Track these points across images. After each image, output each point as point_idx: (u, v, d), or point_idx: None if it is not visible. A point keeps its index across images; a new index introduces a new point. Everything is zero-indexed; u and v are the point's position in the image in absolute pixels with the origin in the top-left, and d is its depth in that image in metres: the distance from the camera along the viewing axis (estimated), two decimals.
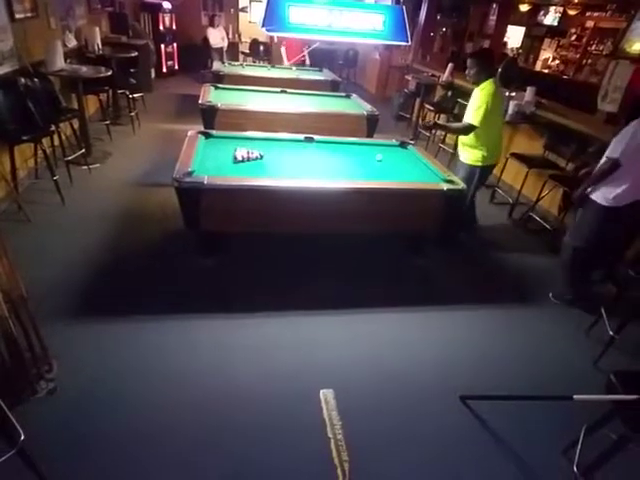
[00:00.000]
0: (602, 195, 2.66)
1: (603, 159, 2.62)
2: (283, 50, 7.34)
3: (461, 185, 3.00)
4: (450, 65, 6.16)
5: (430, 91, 6.72)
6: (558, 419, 2.13)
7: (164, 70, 8.87)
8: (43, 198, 3.61)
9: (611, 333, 2.53)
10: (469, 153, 3.42)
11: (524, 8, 10.80)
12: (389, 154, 3.56)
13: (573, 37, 10.74)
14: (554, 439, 2.03)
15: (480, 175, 3.43)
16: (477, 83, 3.26)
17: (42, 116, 3.51)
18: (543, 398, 2.14)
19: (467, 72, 3.34)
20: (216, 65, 6.35)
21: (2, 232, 1.79)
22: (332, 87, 6.00)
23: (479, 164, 3.37)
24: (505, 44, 7.87)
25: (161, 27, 8.53)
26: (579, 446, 1.82)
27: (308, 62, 7.52)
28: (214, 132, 3.54)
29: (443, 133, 6.04)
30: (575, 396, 1.72)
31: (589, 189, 2.72)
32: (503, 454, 1.98)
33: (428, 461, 1.92)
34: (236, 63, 7.26)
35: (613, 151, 2.51)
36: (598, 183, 2.65)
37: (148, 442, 1.85)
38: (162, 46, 8.64)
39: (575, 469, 1.82)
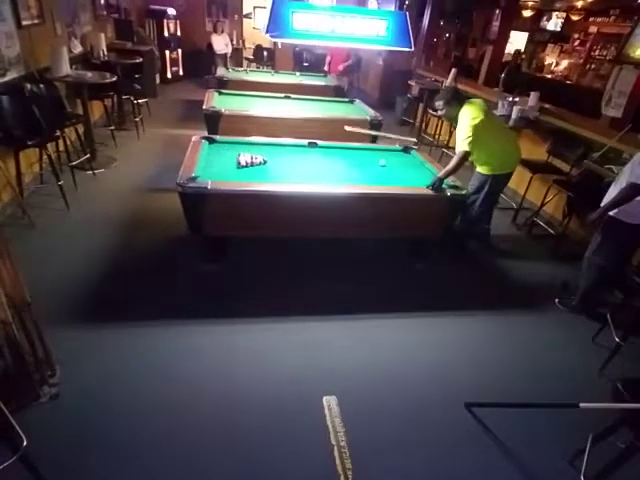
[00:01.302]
0: (629, 215, 2.60)
1: (624, 182, 2.53)
2: (328, 59, 7.75)
3: (464, 190, 2.99)
4: (453, 70, 6.17)
5: (433, 96, 6.70)
6: (564, 427, 2.10)
7: (168, 76, 8.93)
8: (48, 203, 3.63)
9: (617, 340, 2.50)
10: (480, 166, 3.41)
11: (527, 14, 10.83)
12: (392, 159, 3.56)
13: (576, 42, 10.75)
14: (560, 447, 2.01)
15: (493, 183, 3.34)
16: (455, 116, 3.22)
17: (47, 121, 3.53)
18: (549, 406, 2.12)
19: (440, 114, 3.41)
20: (220, 71, 6.39)
21: (6, 237, 1.79)
22: (335, 92, 6.01)
23: (489, 173, 3.32)
24: (519, 53, 7.65)
25: (166, 33, 8.60)
26: (586, 455, 1.80)
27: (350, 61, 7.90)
28: (218, 137, 3.55)
29: (446, 138, 6.05)
30: (582, 404, 1.70)
31: (613, 214, 2.66)
32: (508, 462, 1.96)
33: (432, 468, 1.90)
34: (240, 69, 7.30)
35: (639, 178, 2.43)
36: (620, 206, 2.58)
37: (151, 447, 1.84)
38: (167, 52, 8.72)
39: (582, 478, 1.79)
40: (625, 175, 2.57)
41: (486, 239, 3.84)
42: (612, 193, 2.67)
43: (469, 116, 3.11)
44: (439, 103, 3.31)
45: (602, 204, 2.74)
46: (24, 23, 3.76)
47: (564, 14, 10.63)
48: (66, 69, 4.11)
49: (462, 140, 3.13)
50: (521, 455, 1.99)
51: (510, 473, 1.92)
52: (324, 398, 2.14)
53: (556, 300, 3.12)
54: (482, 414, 2.15)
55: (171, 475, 1.75)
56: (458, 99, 3.25)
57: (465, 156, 3.16)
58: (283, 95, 5.14)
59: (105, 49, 5.41)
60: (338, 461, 1.85)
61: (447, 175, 3.12)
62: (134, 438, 1.87)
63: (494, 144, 3.22)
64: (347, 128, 3.97)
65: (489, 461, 1.96)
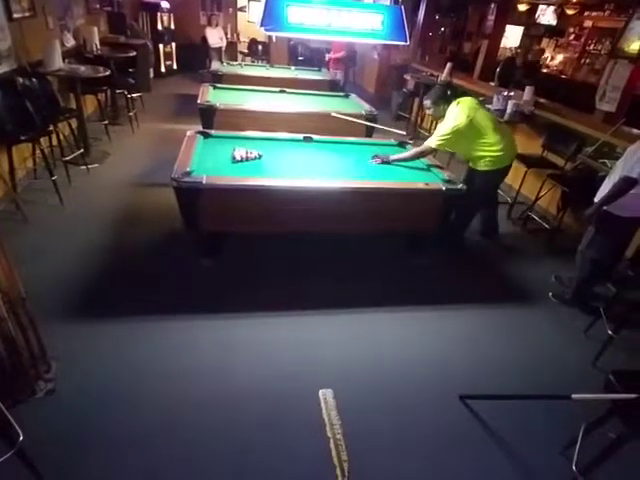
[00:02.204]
0: (620, 208, 2.61)
1: (618, 176, 2.54)
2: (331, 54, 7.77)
3: (460, 185, 3.00)
4: (449, 64, 6.16)
5: (429, 91, 6.71)
6: (557, 418, 2.13)
7: (162, 70, 8.85)
8: (41, 198, 3.61)
9: (610, 332, 2.53)
10: (472, 163, 3.42)
11: (522, 8, 10.81)
12: (388, 154, 3.56)
13: (571, 37, 10.76)
14: (553, 438, 2.04)
15: (486, 179, 3.34)
16: (443, 116, 3.28)
17: (40, 116, 3.50)
18: (542, 397, 2.15)
19: (428, 113, 3.52)
20: (215, 65, 6.35)
21: (0, 232, 1.78)
22: (331, 87, 5.99)
23: (482, 168, 3.32)
24: (544, 60, 7.41)
25: (159, 27, 8.52)
26: (578, 445, 1.83)
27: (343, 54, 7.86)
28: (213, 132, 3.53)
29: None
30: (574, 395, 1.72)
31: (605, 207, 2.65)
32: (502, 453, 1.99)
33: (427, 460, 1.92)
34: (235, 63, 7.26)
35: (631, 171, 2.44)
36: (616, 200, 2.57)
37: (147, 442, 1.85)
38: (160, 46, 8.63)
39: (574, 468, 1.82)
40: (618, 169, 2.59)
41: (493, 236, 3.85)
42: (606, 187, 2.69)
43: (453, 118, 3.15)
44: (427, 102, 3.39)
45: (596, 198, 2.76)
46: (15, 16, 3.71)
47: (559, 8, 10.62)
48: (59, 63, 4.07)
49: (437, 136, 3.19)
50: (514, 446, 2.02)
51: (504, 464, 1.94)
52: (320, 391, 2.15)
53: (550, 294, 3.15)
54: (477, 407, 2.17)
55: (166, 469, 1.76)
56: (446, 98, 3.30)
57: (429, 152, 3.30)
58: (278, 89, 5.12)
59: (98, 43, 5.36)
60: (334, 453, 1.87)
61: (399, 160, 3.27)
62: (130, 434, 1.87)
63: (484, 141, 3.20)
64: (333, 114, 4.05)
65: (483, 452, 1.98)
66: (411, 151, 3.39)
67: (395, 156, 3.33)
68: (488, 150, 3.22)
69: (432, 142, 3.20)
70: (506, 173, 3.44)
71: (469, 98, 3.32)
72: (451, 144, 3.22)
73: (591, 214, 2.71)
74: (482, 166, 3.31)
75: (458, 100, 3.25)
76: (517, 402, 2.17)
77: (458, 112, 3.16)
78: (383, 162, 3.29)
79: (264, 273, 3.04)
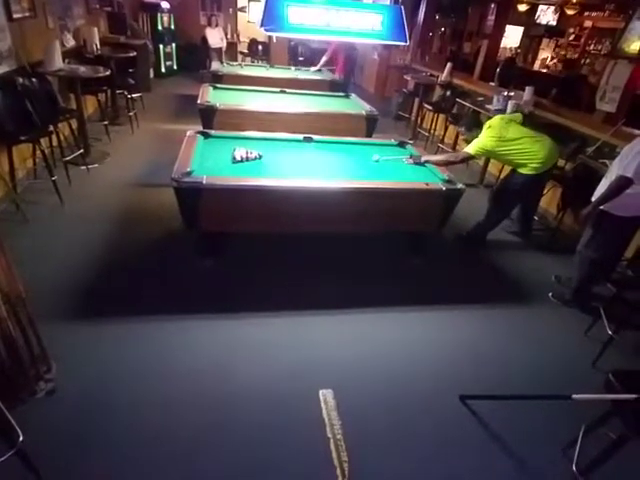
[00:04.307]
0: (618, 207, 2.61)
1: (614, 176, 2.54)
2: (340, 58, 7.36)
3: (459, 185, 3.00)
4: (449, 65, 6.17)
5: (429, 91, 6.73)
6: (557, 418, 2.13)
7: (163, 70, 8.86)
8: (41, 198, 3.61)
9: (610, 333, 2.53)
10: (513, 167, 3.45)
11: (523, 8, 10.81)
12: (388, 154, 3.55)
13: (571, 37, 10.77)
14: (553, 438, 2.03)
15: (529, 182, 3.35)
16: (476, 136, 3.35)
17: (40, 116, 3.50)
18: (542, 397, 2.14)
19: (462, 137, 3.66)
20: (215, 65, 6.35)
21: (0, 232, 1.78)
22: (331, 87, 6.00)
23: (523, 172, 3.34)
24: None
25: (159, 27, 8.52)
26: (578, 445, 1.83)
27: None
28: (213, 132, 3.53)
29: (442, 133, 6.05)
30: (574, 395, 1.72)
31: (602, 207, 2.66)
32: (502, 453, 1.98)
33: (427, 460, 1.92)
34: (235, 63, 7.26)
35: (626, 170, 2.45)
36: (612, 199, 2.58)
37: (147, 442, 1.85)
38: (161, 46, 8.64)
39: (574, 468, 1.82)
40: (614, 169, 2.59)
41: (526, 234, 3.93)
42: (603, 187, 2.69)
43: (486, 137, 3.26)
44: (462, 130, 3.59)
45: (593, 198, 2.76)
46: (15, 16, 3.71)
47: (559, 8, 10.62)
48: (59, 63, 4.06)
49: (474, 146, 3.28)
50: (514, 446, 2.01)
51: (504, 464, 1.94)
52: (320, 391, 2.16)
53: (550, 294, 3.15)
54: (477, 407, 2.17)
55: (167, 469, 1.76)
56: (477, 125, 3.48)
57: (466, 158, 3.41)
58: (278, 90, 5.12)
59: (98, 43, 5.35)
60: (334, 454, 1.87)
61: (433, 163, 3.33)
62: (131, 434, 1.87)
63: (524, 151, 3.25)
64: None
65: (483, 452, 1.98)
66: (446, 155, 3.55)
67: (427, 157, 3.44)
68: (528, 159, 3.25)
69: (470, 149, 3.30)
70: (549, 175, 3.49)
71: (498, 117, 3.43)
72: (487, 155, 3.35)
73: (587, 214, 2.71)
74: (524, 171, 3.33)
75: (489, 123, 3.36)
76: (517, 402, 2.17)
77: (489, 134, 3.27)
78: (416, 163, 3.36)
79: (264, 273, 3.04)
